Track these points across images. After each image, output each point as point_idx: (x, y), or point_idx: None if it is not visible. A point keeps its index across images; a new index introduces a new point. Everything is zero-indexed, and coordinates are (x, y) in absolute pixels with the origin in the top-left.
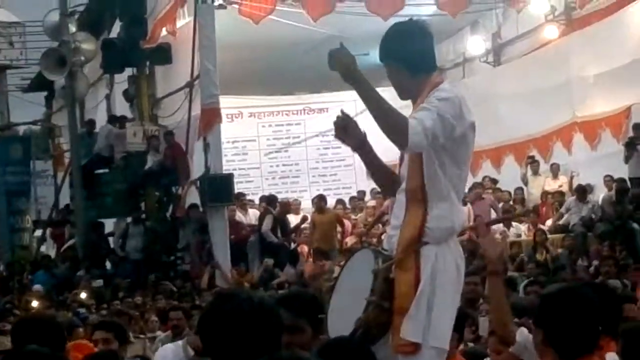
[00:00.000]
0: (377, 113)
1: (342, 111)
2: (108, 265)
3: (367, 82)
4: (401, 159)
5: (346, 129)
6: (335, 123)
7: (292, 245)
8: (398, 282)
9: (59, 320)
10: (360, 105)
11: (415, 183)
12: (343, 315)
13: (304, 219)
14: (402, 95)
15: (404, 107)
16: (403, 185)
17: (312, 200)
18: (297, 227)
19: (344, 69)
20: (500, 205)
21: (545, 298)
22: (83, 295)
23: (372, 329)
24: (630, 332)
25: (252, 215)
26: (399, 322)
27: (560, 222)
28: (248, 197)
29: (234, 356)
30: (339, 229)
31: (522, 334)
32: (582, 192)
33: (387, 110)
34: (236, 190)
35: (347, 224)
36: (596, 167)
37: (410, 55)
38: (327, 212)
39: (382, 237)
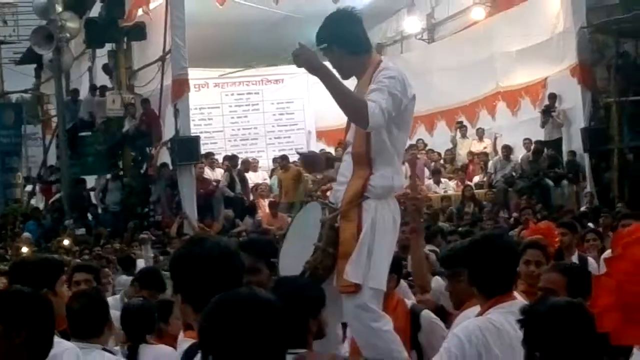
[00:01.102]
0: (340, 99)
1: (299, 44)
2: (90, 216)
3: (331, 73)
4: (348, 125)
5: (304, 58)
6: (294, 53)
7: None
8: (342, 230)
9: (52, 262)
10: (312, 77)
11: (362, 149)
12: (293, 259)
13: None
14: (345, 75)
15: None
16: (349, 149)
17: (274, 159)
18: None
19: (308, 65)
20: (432, 164)
21: (472, 243)
22: (66, 242)
23: (319, 270)
24: (572, 270)
25: (219, 173)
26: (343, 266)
27: (485, 179)
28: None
29: (201, 293)
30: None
31: (438, 282)
32: (508, 150)
33: (348, 97)
34: (203, 151)
35: None
36: (516, 131)
37: (350, 38)
38: (290, 169)
39: (328, 193)
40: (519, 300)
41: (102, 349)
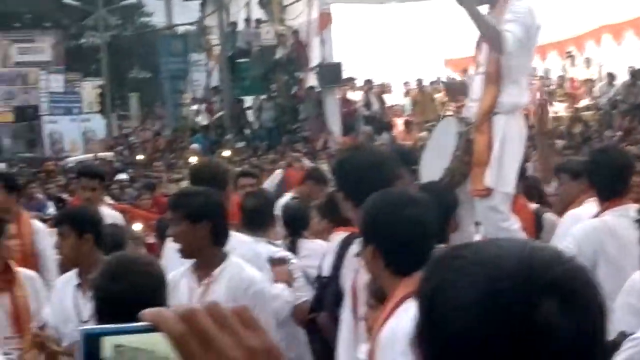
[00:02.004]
0: (483, 27)
1: None
2: (247, 131)
3: (476, 8)
4: (478, 48)
5: None
6: None
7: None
8: (476, 142)
9: (223, 168)
10: (442, 12)
11: (493, 68)
12: (432, 167)
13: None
14: (482, 1)
15: None
16: (481, 69)
17: (405, 83)
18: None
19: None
20: (545, 88)
21: (592, 153)
22: (227, 153)
23: (456, 176)
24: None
25: (358, 94)
26: (477, 172)
27: (592, 102)
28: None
29: (360, 191)
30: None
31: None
32: (611, 77)
33: (490, 25)
34: (345, 76)
35: None
36: (620, 60)
37: None
38: (423, 92)
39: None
40: (632, 205)
41: (267, 242)
